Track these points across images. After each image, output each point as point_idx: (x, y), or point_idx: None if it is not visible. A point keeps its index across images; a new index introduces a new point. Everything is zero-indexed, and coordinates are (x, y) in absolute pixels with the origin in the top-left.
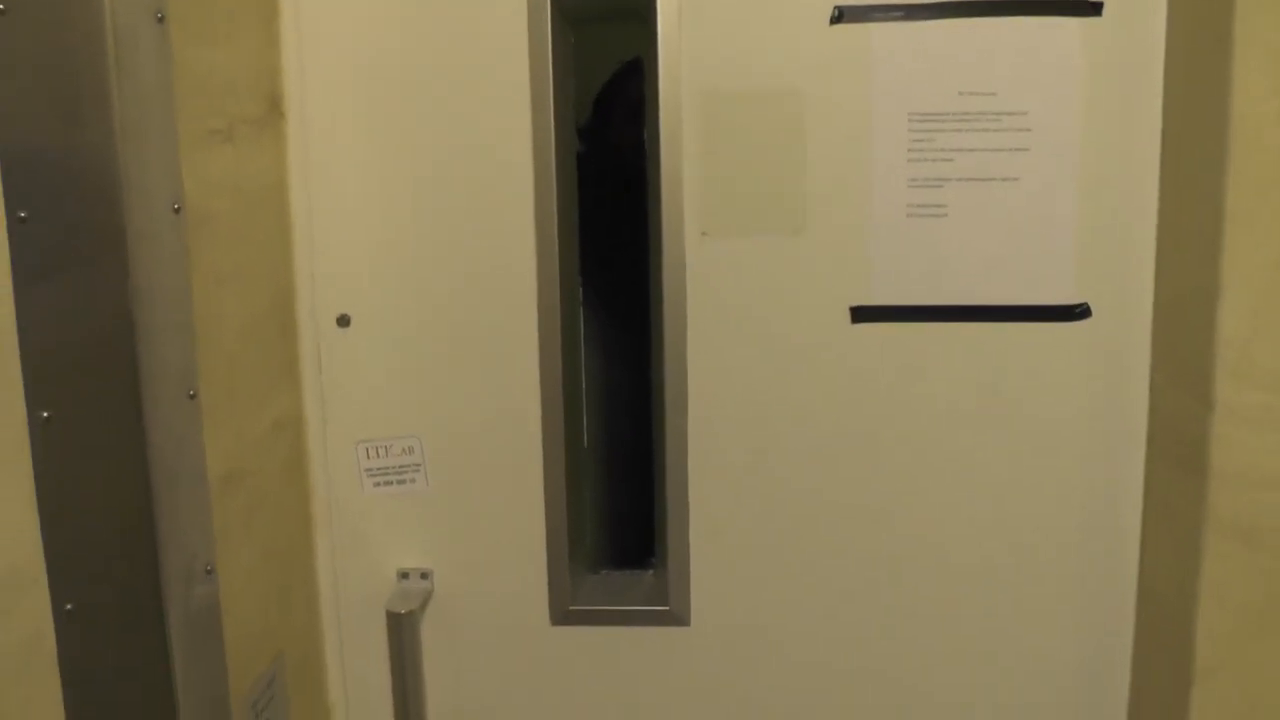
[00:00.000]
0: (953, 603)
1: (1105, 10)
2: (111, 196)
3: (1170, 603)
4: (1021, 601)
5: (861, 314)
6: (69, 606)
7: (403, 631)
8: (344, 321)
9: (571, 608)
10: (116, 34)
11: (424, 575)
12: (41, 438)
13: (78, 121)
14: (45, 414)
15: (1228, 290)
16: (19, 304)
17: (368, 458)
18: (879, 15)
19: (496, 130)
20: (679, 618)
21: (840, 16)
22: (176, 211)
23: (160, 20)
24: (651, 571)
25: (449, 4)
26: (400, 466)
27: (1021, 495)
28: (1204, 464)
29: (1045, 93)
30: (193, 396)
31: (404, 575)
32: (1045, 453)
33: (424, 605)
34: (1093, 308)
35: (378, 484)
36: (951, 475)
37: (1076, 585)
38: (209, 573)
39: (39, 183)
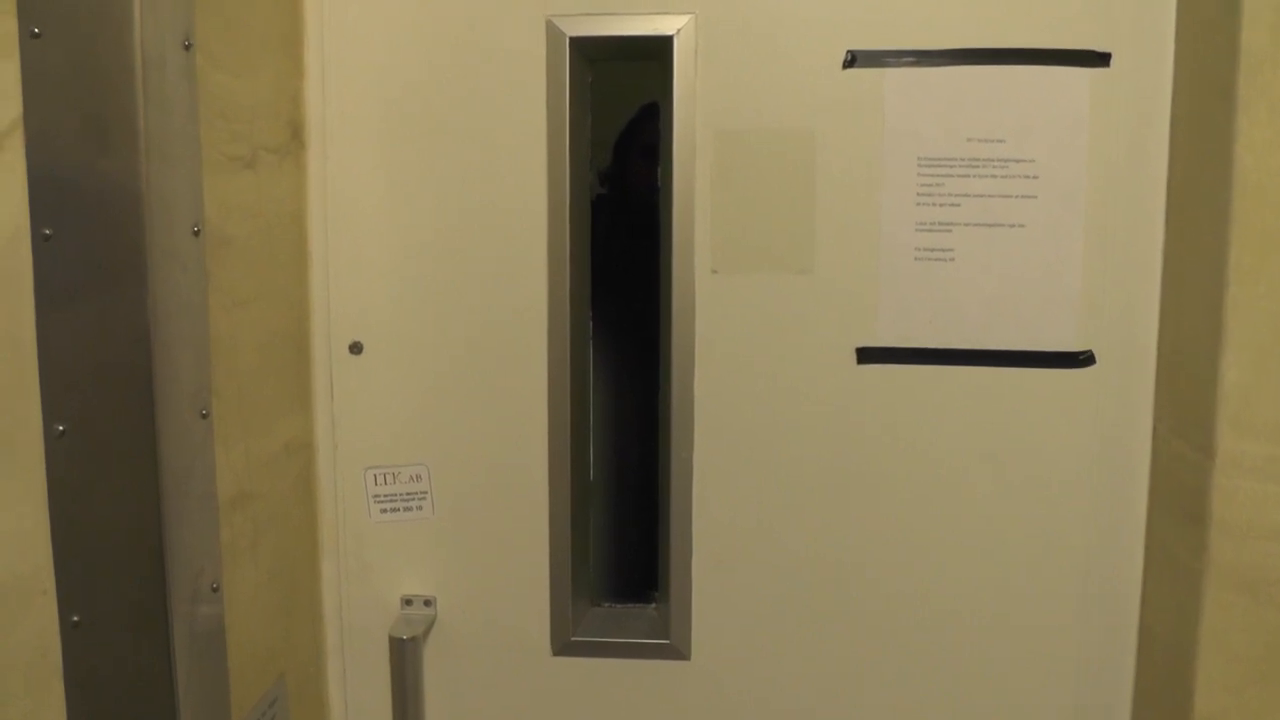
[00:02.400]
0: (952, 645)
1: (1113, 62)
2: (134, 217)
3: (1171, 651)
4: (1021, 646)
5: (867, 355)
6: (76, 618)
7: (405, 657)
8: (357, 348)
9: (573, 638)
10: (145, 60)
11: (428, 602)
12: (56, 451)
13: (105, 143)
14: (60, 427)
15: (1230, 341)
16: (40, 318)
17: (376, 484)
18: (891, 61)
19: (512, 164)
20: (679, 652)
21: (853, 61)
22: (196, 234)
23: (188, 48)
24: (653, 605)
25: (470, 39)
26: (407, 494)
27: (1023, 540)
28: (1205, 514)
29: (1053, 141)
30: (205, 416)
31: (408, 601)
32: (1047, 499)
33: (427, 632)
34: (1097, 355)
35: (385, 510)
36: (953, 518)
37: (1077, 632)
38: (215, 591)
39: (65, 201)
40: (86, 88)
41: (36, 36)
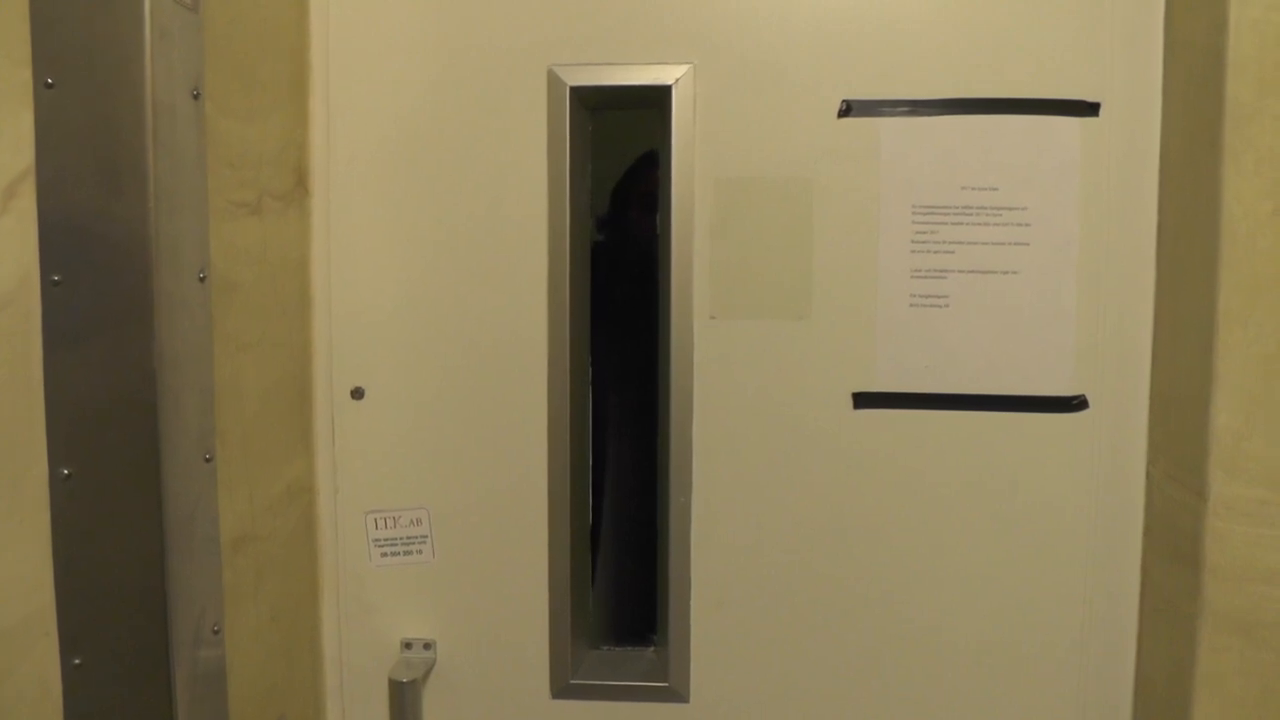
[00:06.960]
0: (949, 689)
1: (1103, 111)
2: (142, 263)
3: (1167, 694)
4: (1019, 687)
5: (863, 400)
6: (77, 661)
7: (405, 700)
8: (358, 394)
9: (572, 681)
10: (156, 109)
11: (427, 645)
12: (61, 493)
13: (115, 191)
14: (66, 471)
15: (1221, 386)
16: (48, 362)
17: (376, 528)
18: (886, 110)
19: (513, 212)
20: (678, 694)
21: (848, 110)
22: (202, 279)
23: (196, 97)
24: (652, 648)
25: (472, 89)
26: (408, 538)
27: (1018, 584)
28: (1199, 557)
29: (1045, 189)
30: (209, 460)
31: (408, 645)
32: (1042, 542)
33: (427, 675)
34: (1090, 400)
35: (385, 554)
36: (949, 562)
37: (1073, 675)
38: (216, 633)
39: (74, 247)
40: (98, 136)
41: (50, 87)
